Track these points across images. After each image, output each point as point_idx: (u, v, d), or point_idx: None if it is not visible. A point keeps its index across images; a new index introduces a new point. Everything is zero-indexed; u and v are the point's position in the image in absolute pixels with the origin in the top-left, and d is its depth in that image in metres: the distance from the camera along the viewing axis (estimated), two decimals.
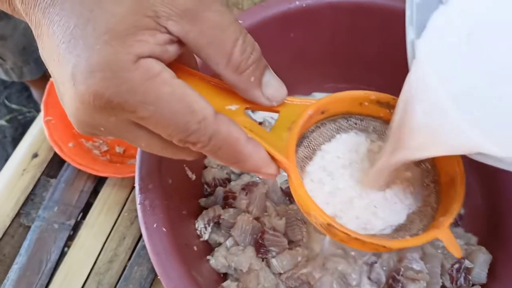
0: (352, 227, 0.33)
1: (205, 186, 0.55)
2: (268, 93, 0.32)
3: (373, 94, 0.36)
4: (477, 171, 0.57)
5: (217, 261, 0.49)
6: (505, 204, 0.53)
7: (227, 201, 0.52)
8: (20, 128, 1.31)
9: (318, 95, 0.61)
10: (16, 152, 0.65)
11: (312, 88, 0.61)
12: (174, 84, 0.27)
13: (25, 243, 0.58)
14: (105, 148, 0.63)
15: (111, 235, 0.59)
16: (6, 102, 1.37)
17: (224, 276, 0.51)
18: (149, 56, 0.26)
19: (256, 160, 0.31)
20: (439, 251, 0.51)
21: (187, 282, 0.40)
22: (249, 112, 0.58)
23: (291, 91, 0.34)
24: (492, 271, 0.50)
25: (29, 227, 0.60)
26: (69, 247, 0.58)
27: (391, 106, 0.35)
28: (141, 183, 0.44)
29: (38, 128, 0.67)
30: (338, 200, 0.35)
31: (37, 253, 0.57)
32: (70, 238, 0.59)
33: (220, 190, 0.54)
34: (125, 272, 0.56)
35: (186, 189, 0.52)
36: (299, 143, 0.36)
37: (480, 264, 0.50)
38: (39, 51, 0.28)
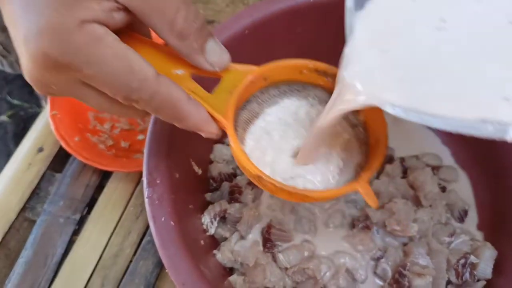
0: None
1: (211, 180, 0.55)
2: (211, 60, 0.34)
3: (311, 63, 0.39)
4: (483, 167, 0.57)
5: (224, 255, 0.49)
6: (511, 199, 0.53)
7: (233, 196, 0.52)
8: (22, 123, 1.30)
9: None
10: (21, 146, 0.65)
11: None
12: (117, 47, 0.29)
13: (31, 237, 0.58)
14: (111, 143, 0.63)
15: (117, 229, 0.58)
16: (8, 97, 1.36)
17: (231, 271, 0.51)
18: (94, 21, 0.28)
19: (196, 119, 0.35)
20: (443, 246, 0.51)
21: (196, 275, 0.40)
22: None
23: None
24: (497, 266, 0.50)
25: (34, 221, 0.60)
26: (74, 241, 0.58)
27: (328, 75, 0.39)
28: (149, 177, 0.44)
29: (43, 123, 0.67)
30: (274, 159, 0.39)
31: (42, 248, 0.57)
32: (76, 233, 0.59)
33: (226, 185, 0.54)
34: (130, 267, 0.56)
35: (193, 183, 0.52)
36: (243, 107, 0.40)
37: (486, 259, 0.50)
38: (3, 18, 0.31)
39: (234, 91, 0.37)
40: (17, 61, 0.94)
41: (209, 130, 0.36)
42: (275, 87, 0.41)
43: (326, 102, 0.36)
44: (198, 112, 0.35)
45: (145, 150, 0.45)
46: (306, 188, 0.37)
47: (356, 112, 0.41)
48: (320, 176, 0.38)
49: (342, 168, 0.39)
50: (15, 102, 1.36)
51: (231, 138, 0.36)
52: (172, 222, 0.42)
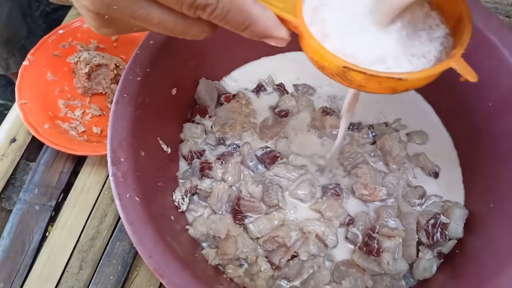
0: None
1: (182, 159, 0.56)
2: None
3: None
4: (453, 127, 0.57)
5: (196, 230, 0.49)
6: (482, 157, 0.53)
7: (204, 172, 0.53)
8: None
9: None
10: None
11: None
12: None
13: (7, 226, 0.58)
14: (82, 129, 0.63)
15: (93, 213, 0.59)
16: None
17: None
18: None
19: (266, 21, 0.32)
20: (414, 208, 0.52)
21: (162, 249, 0.40)
22: None
23: None
24: (468, 225, 0.51)
25: (11, 211, 0.60)
26: (51, 227, 0.59)
27: None
28: (113, 155, 0.44)
29: (15, 114, 0.67)
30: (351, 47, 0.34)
31: (19, 235, 0.58)
32: (52, 219, 0.60)
33: (196, 162, 0.54)
34: (107, 248, 0.56)
35: (162, 162, 0.52)
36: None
37: (456, 218, 0.50)
38: None
39: None
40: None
41: (279, 35, 0.34)
42: None
43: None
44: (266, 15, 0.32)
45: (108, 130, 0.45)
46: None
47: None
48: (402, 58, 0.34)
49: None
50: None
51: (307, 35, 0.33)
52: (137, 198, 0.42)
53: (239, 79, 0.63)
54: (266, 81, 0.61)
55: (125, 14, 0.30)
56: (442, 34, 0.35)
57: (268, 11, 0.33)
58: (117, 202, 0.42)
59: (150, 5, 0.30)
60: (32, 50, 0.66)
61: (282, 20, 0.34)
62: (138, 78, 0.48)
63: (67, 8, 0.82)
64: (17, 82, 0.63)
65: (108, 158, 0.44)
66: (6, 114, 1.37)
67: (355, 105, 0.43)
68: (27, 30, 0.93)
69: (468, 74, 0.32)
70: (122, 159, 0.44)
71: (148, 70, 0.49)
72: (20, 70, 0.64)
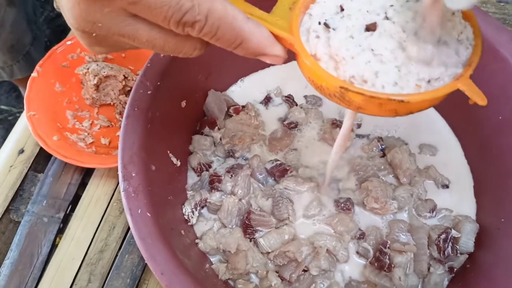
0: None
1: (191, 171, 0.56)
2: None
3: None
4: (464, 139, 0.57)
5: (206, 244, 0.49)
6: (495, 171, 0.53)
7: (213, 185, 0.53)
8: (11, 128, 1.30)
9: None
10: (2, 149, 0.65)
11: None
12: None
13: (16, 238, 0.58)
14: (91, 140, 0.63)
15: (101, 225, 0.59)
16: None
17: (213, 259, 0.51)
18: None
19: (259, 39, 0.31)
20: (425, 221, 0.52)
21: (174, 264, 0.40)
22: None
23: None
24: (479, 239, 0.50)
25: (19, 222, 0.60)
26: (60, 240, 0.59)
27: None
28: (124, 170, 0.44)
29: (23, 125, 0.67)
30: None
31: (28, 247, 0.57)
32: (61, 231, 0.59)
33: (206, 175, 0.54)
34: (116, 261, 0.56)
35: (171, 175, 0.52)
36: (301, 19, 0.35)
37: (467, 233, 0.50)
38: None
39: (295, 7, 0.34)
40: (2, 67, 0.93)
41: (274, 52, 0.32)
42: None
43: None
44: (259, 32, 0.31)
45: (119, 144, 0.45)
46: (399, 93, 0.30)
47: None
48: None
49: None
50: (3, 107, 1.36)
51: (302, 53, 0.32)
52: (148, 214, 0.42)
53: (247, 89, 0.62)
54: (275, 92, 0.61)
55: (112, 31, 0.30)
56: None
57: (262, 28, 0.32)
58: (128, 217, 0.42)
59: (137, 22, 0.29)
60: (40, 62, 0.66)
61: (278, 37, 0.33)
62: (149, 92, 0.48)
63: None
64: (25, 94, 0.63)
65: (119, 173, 0.44)
66: (10, 120, 1.37)
67: (349, 135, 0.42)
68: (32, 36, 0.93)
69: (477, 97, 0.30)
70: (133, 174, 0.44)
71: (159, 83, 0.49)
72: (28, 82, 0.64)
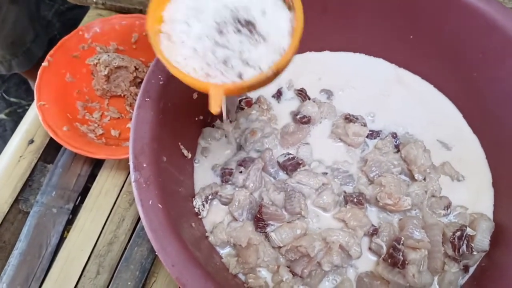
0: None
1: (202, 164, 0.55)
2: None
3: None
4: (482, 135, 0.56)
5: (216, 237, 0.49)
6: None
7: (224, 178, 0.52)
8: (20, 121, 1.30)
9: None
10: (12, 139, 0.65)
11: None
12: None
13: (25, 229, 0.58)
14: (101, 132, 0.63)
15: (110, 217, 0.58)
16: (5, 95, 1.36)
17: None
18: None
19: None
20: (439, 219, 0.50)
21: (185, 256, 0.40)
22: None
23: None
24: (495, 238, 0.49)
25: (28, 213, 0.59)
26: (68, 231, 0.58)
27: None
28: (135, 160, 0.43)
29: (33, 115, 0.67)
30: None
31: (36, 238, 0.57)
32: (69, 222, 0.59)
33: (217, 168, 0.53)
34: (125, 253, 0.55)
35: (182, 167, 0.51)
36: None
37: (483, 231, 0.49)
38: None
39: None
40: (0, 61, 0.94)
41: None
42: None
43: None
44: None
45: (130, 135, 0.45)
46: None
47: None
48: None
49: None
50: (12, 99, 1.36)
51: (167, 64, 0.38)
52: (159, 205, 0.42)
53: None
54: (287, 85, 0.60)
55: None
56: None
57: None
58: (139, 208, 0.41)
59: None
60: (51, 51, 0.65)
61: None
62: (161, 82, 0.47)
63: (82, 7, 0.82)
64: (36, 83, 0.63)
65: (131, 163, 0.43)
66: (19, 113, 1.37)
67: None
68: (33, 34, 0.94)
69: (211, 103, 0.37)
70: (144, 165, 0.43)
71: (171, 74, 0.48)
72: (39, 71, 0.63)
